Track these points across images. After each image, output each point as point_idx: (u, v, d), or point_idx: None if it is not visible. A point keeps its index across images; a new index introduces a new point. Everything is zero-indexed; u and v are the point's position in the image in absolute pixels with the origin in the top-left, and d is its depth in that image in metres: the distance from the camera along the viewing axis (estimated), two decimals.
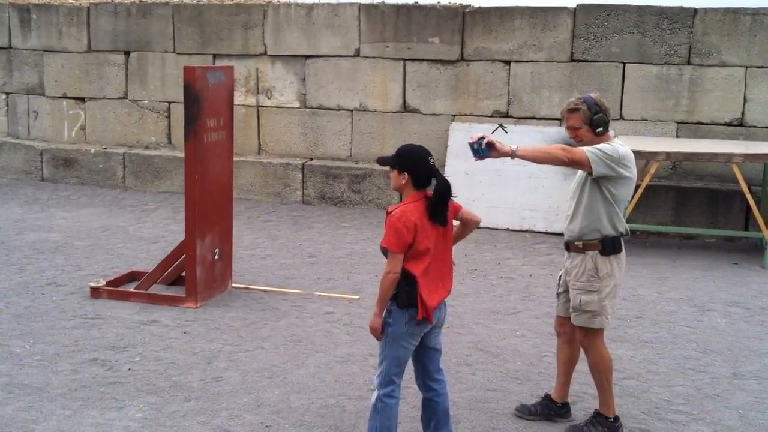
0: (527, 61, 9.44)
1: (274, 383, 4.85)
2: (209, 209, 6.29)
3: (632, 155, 4.17)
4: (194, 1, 10.81)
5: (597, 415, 4.31)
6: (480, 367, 5.17)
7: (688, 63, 8.98)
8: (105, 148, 10.92)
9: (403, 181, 3.74)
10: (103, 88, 11.04)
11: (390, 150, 3.90)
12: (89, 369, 5.00)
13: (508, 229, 8.89)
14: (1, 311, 5.99)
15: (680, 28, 8.94)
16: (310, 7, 10.08)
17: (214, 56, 10.50)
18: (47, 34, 11.22)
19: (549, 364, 5.14)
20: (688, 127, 9.08)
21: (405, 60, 9.83)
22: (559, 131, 9.01)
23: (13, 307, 6.10)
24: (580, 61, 9.28)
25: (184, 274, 6.36)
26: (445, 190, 3.70)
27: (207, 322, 5.88)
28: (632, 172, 4.14)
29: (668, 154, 7.83)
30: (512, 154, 4.01)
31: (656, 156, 7.78)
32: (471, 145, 4.01)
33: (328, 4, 10.07)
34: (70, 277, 6.88)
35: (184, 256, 6.31)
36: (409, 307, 3.68)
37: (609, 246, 4.15)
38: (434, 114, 9.79)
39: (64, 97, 11.25)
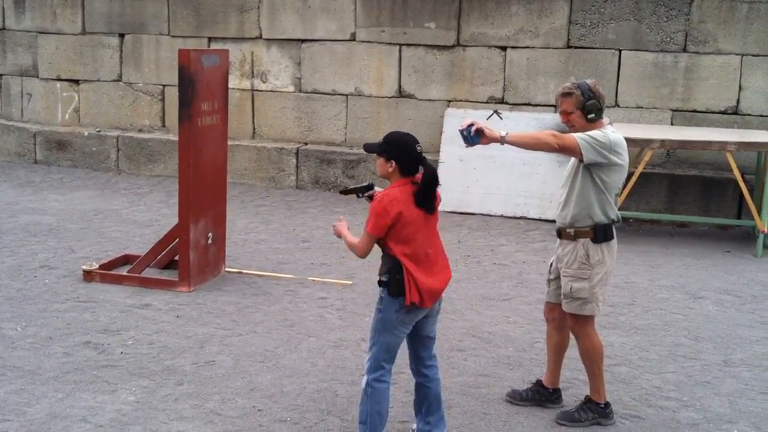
0: (523, 47, 9.41)
1: (267, 367, 4.86)
2: (203, 193, 6.28)
3: (624, 142, 4.16)
4: None
5: (588, 401, 4.33)
6: (472, 353, 5.19)
7: (684, 50, 8.97)
8: (99, 131, 10.88)
9: (390, 169, 3.74)
10: (97, 71, 10.98)
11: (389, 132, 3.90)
12: (82, 352, 5.00)
13: (501, 216, 8.90)
14: None
15: (677, 15, 8.92)
16: None
17: (209, 39, 10.45)
18: (41, 16, 11.14)
19: (540, 350, 5.15)
20: (683, 115, 9.08)
21: (401, 45, 9.80)
22: (554, 117, 9.00)
23: (5, 289, 6.09)
24: (576, 47, 9.26)
25: (177, 258, 6.35)
26: (432, 179, 3.70)
27: (200, 306, 5.88)
28: (624, 160, 4.14)
29: (662, 142, 7.83)
30: (502, 140, 4.00)
31: (650, 143, 7.78)
32: (461, 132, 4.00)
33: None
34: (62, 260, 6.87)
35: (177, 240, 6.31)
36: (399, 296, 3.68)
37: (601, 233, 4.15)
38: (429, 99, 9.77)
39: (58, 79, 11.19)
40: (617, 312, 6.02)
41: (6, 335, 5.22)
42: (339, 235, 3.97)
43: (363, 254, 3.75)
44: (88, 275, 6.33)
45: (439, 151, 9.26)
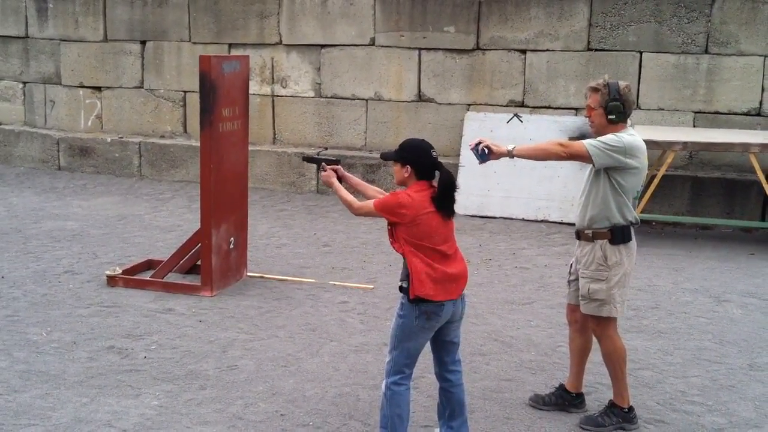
0: (543, 50, 9.39)
1: (289, 372, 4.87)
2: (224, 198, 6.31)
3: (642, 145, 4.12)
4: None
5: (612, 405, 4.31)
6: (494, 357, 5.17)
7: (706, 52, 8.90)
8: (121, 137, 10.97)
9: (406, 174, 3.75)
10: (119, 78, 11.08)
11: (405, 139, 3.93)
12: (106, 357, 5.04)
13: (523, 219, 8.87)
14: (19, 299, 6.04)
15: (698, 17, 8.86)
16: None
17: (230, 45, 10.51)
18: (64, 24, 11.26)
19: (563, 354, 5.12)
20: (706, 117, 9.01)
21: (420, 49, 9.80)
22: (574, 121, 8.97)
23: (30, 295, 6.15)
24: (596, 50, 9.22)
25: (199, 262, 6.39)
26: (450, 182, 3.72)
27: (222, 310, 5.91)
28: (641, 163, 4.11)
29: (685, 144, 7.78)
30: (509, 154, 4.08)
31: (673, 146, 7.73)
32: (472, 150, 4.11)
33: None
34: (86, 265, 6.92)
35: (199, 244, 6.34)
36: (419, 303, 3.67)
37: (618, 235, 4.14)
38: (449, 103, 9.76)
39: (81, 86, 11.30)
40: (641, 315, 5.98)
41: (31, 340, 5.27)
42: (329, 186, 4.28)
43: (356, 214, 3.94)
44: (112, 280, 6.38)
45: (459, 155, 9.25)
